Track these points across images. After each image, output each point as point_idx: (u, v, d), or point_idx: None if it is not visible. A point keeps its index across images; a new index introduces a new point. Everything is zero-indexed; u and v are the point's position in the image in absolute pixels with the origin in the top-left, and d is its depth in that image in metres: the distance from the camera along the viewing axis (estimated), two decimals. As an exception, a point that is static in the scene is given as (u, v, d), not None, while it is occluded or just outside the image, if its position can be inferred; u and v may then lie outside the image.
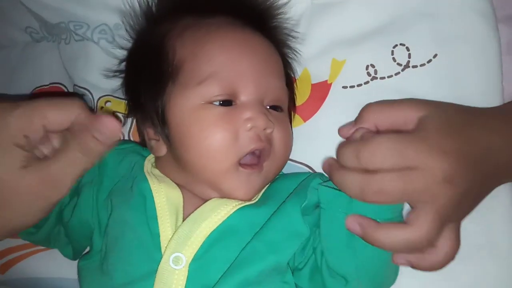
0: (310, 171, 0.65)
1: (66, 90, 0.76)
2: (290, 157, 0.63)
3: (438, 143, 0.49)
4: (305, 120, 0.66)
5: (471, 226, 0.56)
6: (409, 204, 0.51)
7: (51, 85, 0.77)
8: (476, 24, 0.64)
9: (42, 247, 0.68)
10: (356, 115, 0.56)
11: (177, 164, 0.59)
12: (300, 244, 0.56)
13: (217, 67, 0.56)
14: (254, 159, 0.57)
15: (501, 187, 0.59)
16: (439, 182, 0.48)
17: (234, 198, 0.56)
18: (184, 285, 0.51)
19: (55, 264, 0.67)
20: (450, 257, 0.51)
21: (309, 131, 0.64)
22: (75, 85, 0.74)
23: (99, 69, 0.71)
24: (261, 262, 0.53)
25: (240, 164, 0.56)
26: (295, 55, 0.67)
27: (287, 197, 0.58)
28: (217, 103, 0.56)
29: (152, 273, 0.52)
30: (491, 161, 0.52)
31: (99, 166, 0.61)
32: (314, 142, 0.63)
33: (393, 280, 0.58)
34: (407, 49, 0.64)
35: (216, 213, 0.55)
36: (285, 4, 0.67)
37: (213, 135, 0.55)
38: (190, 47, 0.58)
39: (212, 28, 0.59)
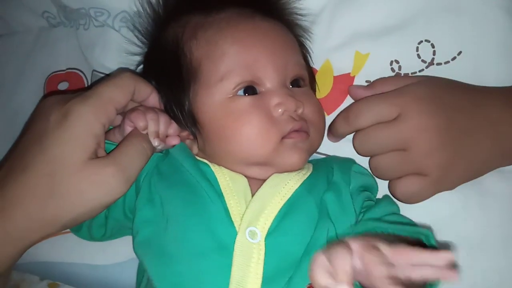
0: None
1: (83, 76, 0.75)
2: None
3: (411, 90, 0.58)
4: (328, 113, 0.65)
5: (497, 218, 0.58)
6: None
7: (68, 70, 0.76)
8: (500, 20, 0.64)
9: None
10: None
11: (217, 157, 0.58)
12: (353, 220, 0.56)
13: (233, 60, 0.57)
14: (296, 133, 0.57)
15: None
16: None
17: (288, 169, 0.57)
18: (263, 259, 0.51)
19: (65, 248, 0.67)
20: (405, 192, 0.58)
21: None
22: (94, 70, 0.73)
23: (117, 55, 0.70)
24: (325, 234, 0.54)
25: (284, 137, 0.56)
26: (307, 34, 0.67)
27: (331, 171, 0.59)
28: (242, 92, 0.56)
29: (226, 246, 0.52)
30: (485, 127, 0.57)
31: None
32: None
33: None
34: (432, 45, 0.64)
35: (283, 188, 0.55)
36: None
37: (250, 121, 0.55)
38: (204, 47, 0.58)
39: (222, 24, 0.59)
